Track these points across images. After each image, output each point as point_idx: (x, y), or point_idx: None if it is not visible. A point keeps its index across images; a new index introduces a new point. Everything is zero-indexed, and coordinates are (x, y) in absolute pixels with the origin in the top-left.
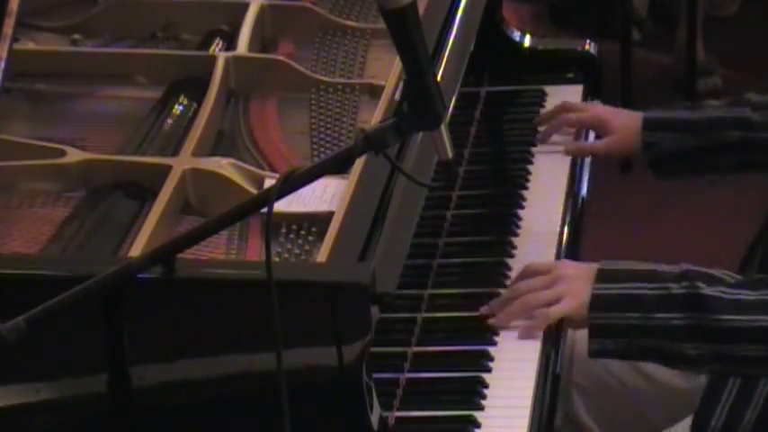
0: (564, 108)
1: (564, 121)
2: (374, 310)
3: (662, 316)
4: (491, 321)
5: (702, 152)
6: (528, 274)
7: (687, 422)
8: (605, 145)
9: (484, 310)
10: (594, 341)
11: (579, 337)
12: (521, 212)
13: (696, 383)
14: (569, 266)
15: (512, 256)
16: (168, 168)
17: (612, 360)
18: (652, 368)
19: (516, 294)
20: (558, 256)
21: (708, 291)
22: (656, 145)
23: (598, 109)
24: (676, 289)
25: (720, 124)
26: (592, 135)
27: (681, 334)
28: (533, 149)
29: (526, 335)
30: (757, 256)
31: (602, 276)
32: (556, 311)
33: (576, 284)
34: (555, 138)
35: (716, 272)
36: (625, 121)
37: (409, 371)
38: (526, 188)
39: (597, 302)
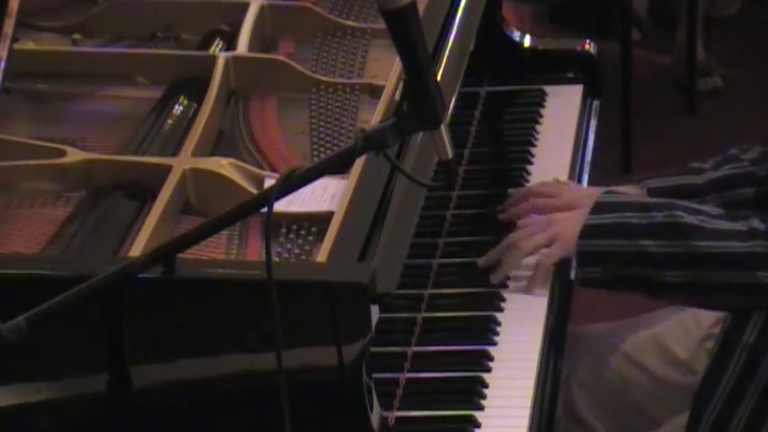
0: (533, 192)
1: (535, 208)
2: (374, 310)
3: (645, 243)
4: (492, 276)
5: None
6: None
7: (686, 415)
8: None
9: (482, 262)
10: (582, 270)
11: (579, 331)
12: None
13: (695, 379)
14: (563, 213)
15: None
16: (168, 168)
17: (611, 355)
18: (651, 364)
19: (511, 243)
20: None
21: (688, 219)
22: None
23: (573, 194)
24: (659, 217)
25: (732, 183)
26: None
27: (661, 261)
28: (533, 149)
29: (531, 287)
30: None
31: (596, 209)
32: (549, 257)
33: (568, 225)
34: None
35: (701, 205)
36: None
37: (409, 371)
38: None
39: (586, 231)
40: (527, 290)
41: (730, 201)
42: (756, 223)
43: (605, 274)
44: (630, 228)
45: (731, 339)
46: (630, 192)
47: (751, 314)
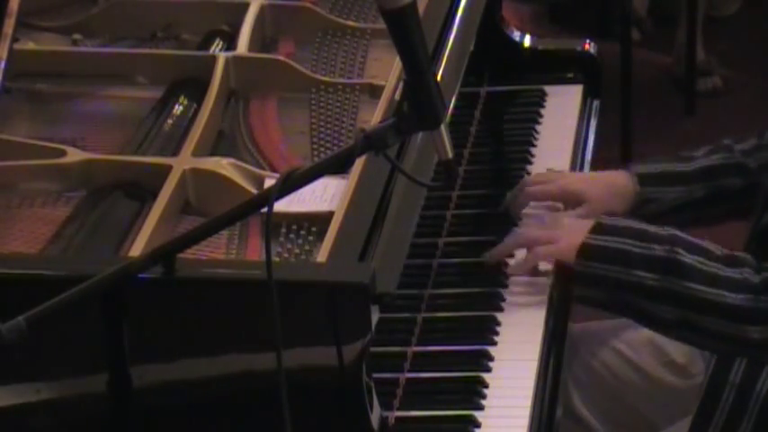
0: (527, 182)
1: (529, 196)
2: (374, 310)
3: (640, 274)
4: (488, 254)
5: (706, 202)
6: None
7: (685, 423)
8: (586, 214)
9: (488, 255)
10: (579, 288)
11: (576, 330)
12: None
13: (690, 383)
14: (571, 219)
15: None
16: (168, 168)
17: (608, 355)
18: (648, 365)
19: (516, 238)
20: None
21: (686, 258)
22: (657, 200)
23: (566, 179)
24: (658, 251)
25: (720, 173)
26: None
27: (654, 294)
28: (533, 149)
29: (515, 270)
30: (754, 239)
31: (597, 228)
32: (544, 250)
33: (571, 231)
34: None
35: (703, 243)
36: (604, 186)
37: (409, 371)
38: None
39: (585, 251)
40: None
41: (717, 190)
42: (749, 274)
43: (600, 297)
44: (629, 256)
45: (718, 380)
46: (620, 178)
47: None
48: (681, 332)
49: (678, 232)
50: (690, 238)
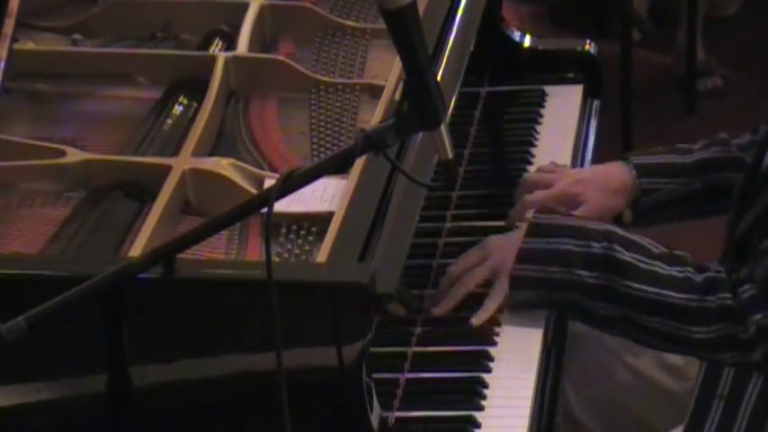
0: (526, 182)
1: (528, 204)
2: (374, 310)
3: (580, 272)
4: (434, 310)
5: (703, 196)
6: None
7: (680, 429)
8: (585, 215)
9: (436, 310)
10: (516, 293)
11: (572, 330)
12: None
13: (686, 386)
14: (497, 239)
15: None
16: (168, 168)
17: (604, 357)
18: (643, 367)
19: (452, 280)
20: None
21: (624, 256)
22: (655, 191)
23: (566, 180)
24: (596, 248)
25: (718, 166)
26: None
27: (594, 293)
28: (533, 149)
29: (479, 321)
30: (730, 251)
31: (532, 231)
32: (497, 297)
33: (506, 255)
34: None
35: (641, 239)
36: (602, 185)
37: (409, 371)
38: None
39: (523, 256)
40: (476, 324)
41: (714, 183)
42: (691, 273)
43: (541, 297)
44: (568, 255)
45: (707, 392)
46: (617, 170)
47: (722, 368)
48: (624, 329)
49: (615, 228)
50: (627, 234)
